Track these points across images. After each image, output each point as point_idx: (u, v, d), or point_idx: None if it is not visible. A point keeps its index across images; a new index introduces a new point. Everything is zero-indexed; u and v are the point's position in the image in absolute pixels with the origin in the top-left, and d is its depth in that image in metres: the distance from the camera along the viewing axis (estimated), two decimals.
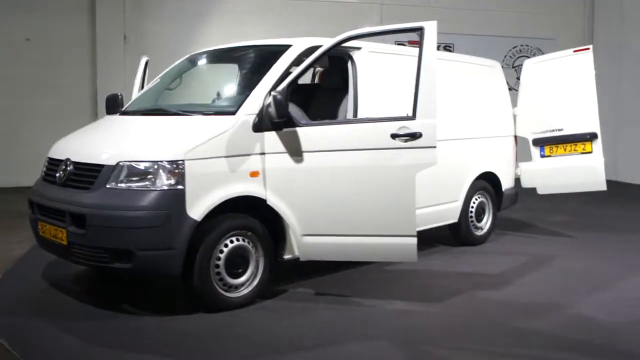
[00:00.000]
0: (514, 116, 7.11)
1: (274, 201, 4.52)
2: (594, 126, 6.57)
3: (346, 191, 4.52)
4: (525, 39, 13.59)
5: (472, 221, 6.63)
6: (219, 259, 4.37)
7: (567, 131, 6.76)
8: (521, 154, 7.22)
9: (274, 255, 4.72)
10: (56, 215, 4.43)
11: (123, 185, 4.19)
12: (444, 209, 6.23)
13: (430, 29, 4.45)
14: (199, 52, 5.93)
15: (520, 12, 13.42)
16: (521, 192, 7.31)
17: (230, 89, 5.35)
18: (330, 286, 5.07)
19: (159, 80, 5.76)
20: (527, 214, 8.56)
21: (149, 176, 4.16)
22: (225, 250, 4.40)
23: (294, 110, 4.57)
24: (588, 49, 6.66)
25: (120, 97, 5.53)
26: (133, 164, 4.20)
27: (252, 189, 4.46)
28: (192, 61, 5.86)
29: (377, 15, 13.08)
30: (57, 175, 4.59)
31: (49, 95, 11.21)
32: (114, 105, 5.44)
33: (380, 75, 5.49)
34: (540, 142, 6.98)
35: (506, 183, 7.01)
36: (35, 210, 4.70)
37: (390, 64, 5.61)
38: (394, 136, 4.38)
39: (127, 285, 5.11)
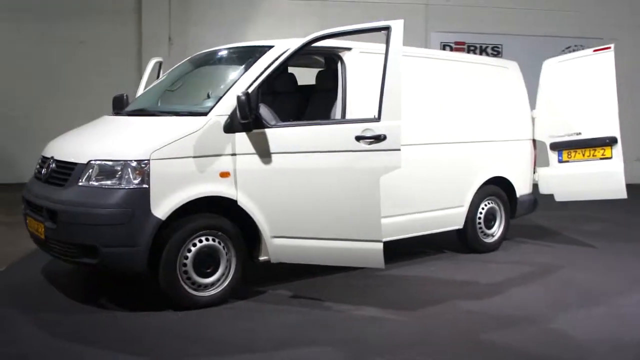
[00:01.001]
0: (533, 119, 6.79)
1: (244, 202, 4.52)
2: (613, 130, 6.19)
3: (313, 194, 4.47)
4: (579, 39, 12.95)
5: (480, 228, 6.39)
6: (187, 257, 4.42)
7: (586, 135, 6.41)
8: (541, 158, 6.89)
9: (248, 256, 4.74)
10: (38, 210, 4.62)
11: (93, 183, 4.31)
12: (446, 214, 6.03)
13: (397, 28, 4.33)
14: (198, 53, 6.03)
15: (574, 10, 12.80)
16: (550, 199, 6.90)
17: (211, 90, 5.39)
18: (311, 289, 5.01)
19: (160, 81, 5.90)
20: (558, 221, 8.18)
21: (117, 175, 4.26)
22: (194, 249, 4.44)
23: (264, 111, 4.56)
24: (609, 47, 6.28)
25: (125, 97, 5.70)
26: (102, 162, 4.32)
27: (222, 189, 4.48)
28: (193, 62, 5.95)
29: (423, 16, 12.81)
30: (42, 172, 4.79)
31: (98, 95, 11.67)
32: (119, 106, 5.61)
33: (371, 75, 5.37)
34: (558, 147, 6.65)
35: (521, 189, 6.70)
36: (25, 206, 4.93)
37: (370, 64, 5.48)
38: (358, 138, 4.29)
39: (125, 282, 5.22)
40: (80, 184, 4.34)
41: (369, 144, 4.27)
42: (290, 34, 11.21)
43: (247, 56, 5.08)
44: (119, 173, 4.25)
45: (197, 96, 5.33)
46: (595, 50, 6.41)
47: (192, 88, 5.70)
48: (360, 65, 5.33)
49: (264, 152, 4.49)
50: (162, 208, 4.26)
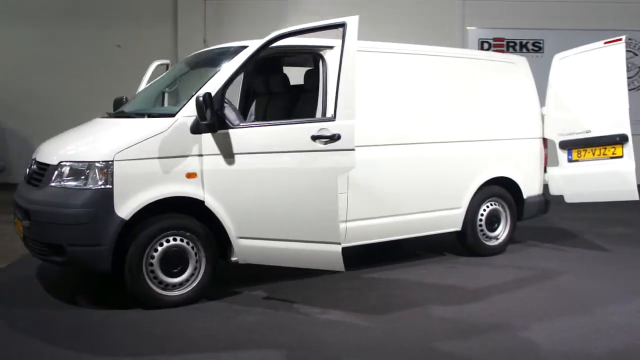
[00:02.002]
0: (543, 116, 6.47)
1: (211, 203, 4.53)
2: (624, 127, 5.81)
3: (275, 195, 4.42)
4: (626, 32, 12.16)
5: (481, 230, 6.14)
6: (153, 257, 4.47)
7: (596, 133, 6.05)
8: (552, 158, 6.56)
9: (220, 257, 4.74)
10: (19, 209, 4.80)
11: (62, 183, 4.43)
12: (442, 216, 5.84)
13: (352, 24, 4.21)
14: (193, 54, 6.09)
15: (620, 1, 12.11)
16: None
17: (186, 91, 5.43)
18: (287, 291, 4.95)
19: (154, 83, 6.00)
20: (580, 224, 7.81)
21: (83, 176, 4.35)
22: (160, 249, 4.49)
23: (229, 111, 4.55)
24: (620, 39, 5.90)
25: (125, 99, 5.84)
26: (71, 164, 4.43)
27: (188, 190, 4.50)
28: (188, 64, 6.02)
29: (459, 12, 12.47)
30: (26, 173, 4.97)
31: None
32: (118, 108, 5.76)
33: (359, 74, 5.26)
34: (567, 145, 6.31)
35: (529, 190, 6.39)
36: (14, 205, 5.13)
37: (367, 62, 5.38)
38: (314, 138, 4.22)
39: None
40: (51, 184, 4.47)
41: (325, 144, 4.19)
42: (324, 35, 11.28)
43: (228, 57, 5.09)
44: (85, 174, 4.34)
45: (187, 98, 5.39)
46: (606, 43, 6.04)
47: (183, 90, 5.76)
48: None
49: (228, 153, 4.48)
50: (125, 208, 4.32)
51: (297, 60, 5.91)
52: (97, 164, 4.32)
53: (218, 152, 4.50)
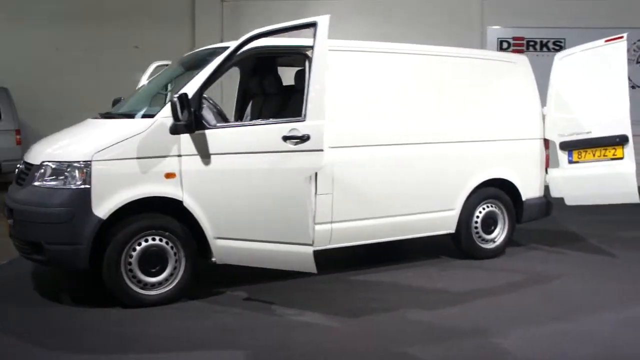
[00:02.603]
0: (544, 117, 6.31)
1: (189, 203, 4.55)
2: (624, 128, 5.61)
3: (248, 195, 4.42)
4: None
5: (477, 233, 6.01)
6: (132, 256, 4.51)
7: (596, 133, 5.86)
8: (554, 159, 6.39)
9: (201, 257, 4.76)
10: (7, 208, 4.90)
11: (44, 183, 4.50)
12: (434, 218, 5.74)
13: (323, 24, 4.17)
14: (186, 55, 6.14)
15: None
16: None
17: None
18: (270, 292, 4.94)
19: (148, 85, 6.07)
20: (591, 227, 7.61)
21: (62, 175, 4.42)
22: (139, 248, 4.53)
23: (207, 112, 4.57)
24: (621, 37, 5.70)
25: (123, 100, 5.92)
26: (51, 164, 4.50)
27: (167, 190, 4.52)
28: (182, 64, 6.06)
29: (478, 11, 12.27)
30: (15, 173, 5.08)
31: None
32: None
33: (340, 73, 5.25)
34: (568, 146, 6.13)
35: (528, 192, 6.24)
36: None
37: (352, 61, 5.34)
38: (285, 138, 4.19)
39: None
40: (34, 183, 4.55)
41: (295, 144, 4.16)
42: (341, 35, 11.26)
43: (211, 58, 5.10)
44: (65, 174, 4.41)
45: None
46: (607, 41, 5.84)
47: (175, 91, 5.80)
48: (332, 63, 5.17)
49: (205, 153, 4.49)
50: (103, 208, 4.37)
51: (288, 60, 5.88)
52: (75, 164, 4.38)
53: (196, 152, 4.51)
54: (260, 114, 6.06)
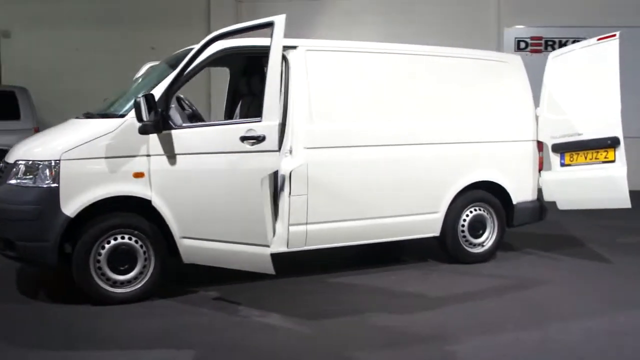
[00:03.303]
0: (537, 118, 6.13)
1: (157, 202, 4.57)
2: (615, 129, 5.41)
3: (210, 195, 4.42)
4: None
5: (464, 236, 5.88)
6: (100, 254, 4.56)
7: (587, 135, 5.66)
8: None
9: (171, 255, 4.77)
10: None
11: (17, 181, 4.58)
12: (417, 221, 5.62)
13: (279, 23, 4.13)
14: (174, 54, 6.18)
15: None
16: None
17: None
18: (241, 293, 4.92)
19: (135, 85, 6.12)
20: (594, 231, 7.39)
21: (33, 174, 4.50)
22: (107, 246, 4.58)
23: (174, 112, 4.59)
24: (614, 35, 5.49)
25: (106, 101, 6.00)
26: (24, 162, 4.58)
27: (135, 189, 4.56)
28: (168, 64, 6.09)
29: (494, 11, 12.02)
30: None
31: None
32: None
33: (320, 74, 5.21)
34: (560, 149, 5.95)
35: (520, 195, 6.06)
36: None
37: (330, 61, 5.28)
38: (243, 139, 4.18)
39: None
40: (9, 182, 4.64)
41: (252, 145, 4.14)
42: (358, 34, 11.24)
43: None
44: (35, 172, 4.49)
45: None
46: (599, 39, 5.64)
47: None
48: (307, 63, 5.18)
49: (171, 153, 4.52)
50: (71, 206, 4.43)
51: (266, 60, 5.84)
52: (44, 163, 4.45)
53: (163, 152, 4.54)
54: (247, 114, 6.07)
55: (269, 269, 4.22)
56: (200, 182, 4.44)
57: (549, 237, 7.09)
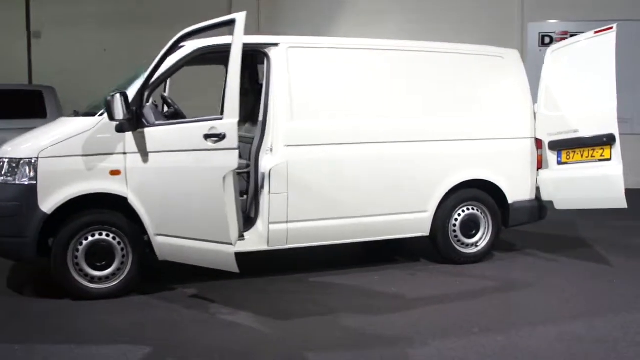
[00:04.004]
0: (536, 115, 5.93)
1: (133, 200, 4.63)
2: (611, 126, 5.19)
3: (178, 193, 4.45)
4: None
5: (456, 236, 5.74)
6: (78, 250, 4.65)
7: (583, 132, 5.45)
8: None
9: (152, 252, 4.82)
10: None
11: (2, 178, 4.71)
12: (404, 220, 5.51)
13: (239, 21, 4.11)
14: None
15: None
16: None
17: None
18: (219, 291, 4.92)
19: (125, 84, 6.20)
20: (605, 231, 7.12)
21: (14, 171, 4.61)
22: (85, 242, 4.66)
23: (147, 110, 4.64)
24: (611, 28, 5.26)
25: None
26: (7, 160, 4.70)
27: (112, 187, 4.63)
28: None
29: (517, 5, 11.70)
30: None
31: (195, 97, 12.56)
32: None
33: (302, 71, 5.18)
34: (556, 146, 5.74)
35: (516, 194, 5.87)
36: None
37: (311, 58, 5.25)
38: (206, 137, 4.19)
39: None
40: None
41: (214, 143, 4.15)
42: (378, 32, 11.15)
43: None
44: (15, 170, 4.60)
45: None
46: (596, 32, 5.41)
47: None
48: (289, 60, 5.15)
49: (144, 151, 4.56)
50: (48, 203, 4.53)
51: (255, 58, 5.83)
52: (24, 161, 4.57)
53: (137, 150, 4.59)
54: (240, 112, 6.07)
55: (233, 267, 4.21)
56: (170, 180, 4.48)
57: (554, 238, 6.87)
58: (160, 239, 4.62)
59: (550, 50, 5.96)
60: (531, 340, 3.90)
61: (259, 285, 5.12)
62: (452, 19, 11.63)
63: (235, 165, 4.07)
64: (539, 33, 11.57)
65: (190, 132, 4.33)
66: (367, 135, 5.30)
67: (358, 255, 6.28)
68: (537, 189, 5.98)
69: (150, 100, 5.01)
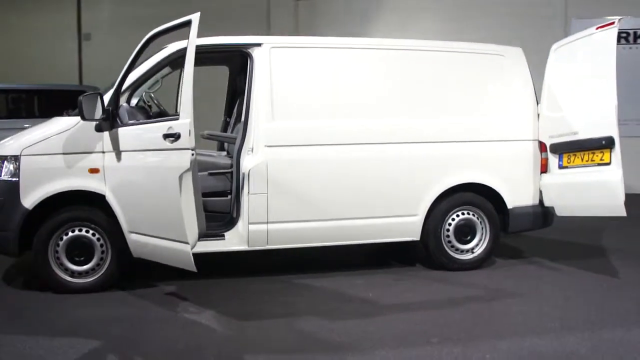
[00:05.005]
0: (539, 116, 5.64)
1: (110, 197, 4.74)
2: (610, 128, 4.86)
3: (145, 191, 4.52)
4: None
5: (449, 242, 5.53)
6: (59, 245, 4.80)
7: (583, 135, 5.13)
8: None
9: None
10: None
11: None
12: (392, 223, 5.38)
13: (195, 21, 4.11)
14: None
15: None
16: None
17: None
18: (199, 289, 4.98)
19: None
20: (624, 239, 6.65)
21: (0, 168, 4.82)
22: (65, 238, 4.81)
23: (123, 110, 4.73)
24: (612, 23, 4.93)
25: None
26: None
27: (90, 184, 4.75)
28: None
29: (561, 1, 11.18)
30: None
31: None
32: None
33: (285, 71, 5.14)
34: (558, 149, 5.43)
35: (517, 199, 5.59)
36: None
37: (300, 58, 5.20)
38: (165, 137, 4.22)
39: None
40: None
41: (172, 143, 4.17)
42: (415, 31, 10.97)
43: None
44: (0, 166, 4.80)
45: None
46: (598, 28, 5.08)
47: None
48: (272, 61, 5.13)
49: (118, 150, 4.66)
50: (29, 199, 4.71)
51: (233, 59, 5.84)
52: (8, 158, 4.76)
53: (113, 149, 4.69)
54: (239, 113, 6.11)
55: (191, 265, 4.23)
56: (138, 179, 4.56)
57: (567, 245, 6.54)
58: (132, 236, 4.70)
59: (553, 47, 5.64)
60: (488, 353, 3.69)
61: (240, 285, 5.12)
62: (491, 15, 11.29)
63: (188, 166, 4.08)
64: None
65: (153, 132, 4.38)
66: (349, 137, 5.20)
67: (352, 257, 6.16)
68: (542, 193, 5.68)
69: (133, 101, 5.10)
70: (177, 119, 4.20)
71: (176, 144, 4.15)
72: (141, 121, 4.73)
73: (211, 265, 5.54)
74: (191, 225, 4.17)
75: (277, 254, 5.52)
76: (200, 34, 5.51)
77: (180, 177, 4.09)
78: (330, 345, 3.84)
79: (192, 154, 4.12)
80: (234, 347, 3.84)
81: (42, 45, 13.59)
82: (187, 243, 4.16)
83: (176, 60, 5.01)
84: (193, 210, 4.17)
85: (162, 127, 4.28)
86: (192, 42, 4.14)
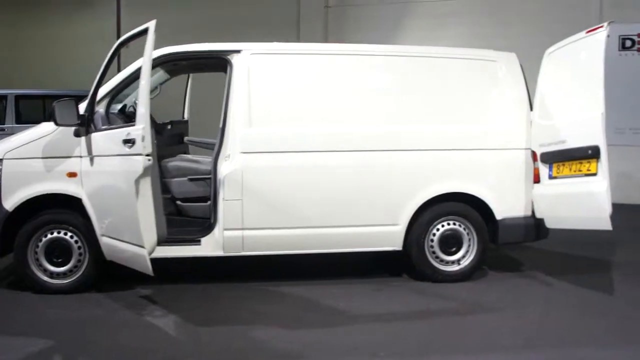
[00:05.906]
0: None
1: (86, 201, 4.84)
2: (596, 137, 4.60)
3: (109, 195, 4.61)
4: None
5: (433, 252, 5.36)
6: (38, 246, 4.93)
7: (570, 144, 4.89)
8: None
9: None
10: None
11: None
12: (371, 232, 5.25)
13: (151, 29, 4.15)
14: None
15: None
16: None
17: None
18: (175, 294, 5.01)
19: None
20: (632, 253, 6.28)
21: None
22: (44, 240, 4.94)
23: (98, 116, 4.82)
24: (601, 27, 4.67)
25: None
26: None
27: (68, 188, 4.87)
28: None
29: (595, 5, 10.72)
30: None
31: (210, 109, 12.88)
32: None
33: (264, 78, 5.13)
34: (547, 159, 5.19)
35: (506, 210, 5.36)
36: None
37: (279, 64, 5.18)
38: (124, 142, 4.27)
39: None
40: None
41: (129, 148, 4.22)
42: (446, 36, 10.80)
43: None
44: None
45: None
46: (588, 32, 4.83)
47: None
48: (251, 67, 5.14)
49: (92, 155, 4.75)
50: (10, 201, 4.86)
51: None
52: None
53: (88, 154, 4.79)
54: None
55: (148, 269, 4.27)
56: (105, 183, 4.65)
57: (569, 258, 6.25)
58: (104, 239, 4.78)
59: (547, 52, 5.39)
60: None
61: (214, 291, 5.12)
62: (523, 21, 10.95)
63: (140, 171, 4.12)
64: (619, 36, 10.48)
65: (116, 137, 4.43)
66: (327, 144, 5.13)
67: (341, 266, 6.04)
68: None
69: (103, 106, 5.14)
70: (134, 125, 4.25)
71: (132, 150, 4.21)
72: (110, 127, 4.81)
73: (197, 271, 5.58)
74: (148, 230, 4.20)
75: (268, 260, 5.46)
76: (230, 40, 5.59)
77: (137, 182, 4.13)
78: (273, 354, 3.81)
79: (149, 160, 4.16)
80: (181, 352, 3.85)
81: (83, 51, 14.06)
82: (143, 247, 4.20)
83: (165, 66, 5.07)
84: (151, 215, 4.21)
85: (122, 132, 4.34)
86: (149, 49, 4.20)
